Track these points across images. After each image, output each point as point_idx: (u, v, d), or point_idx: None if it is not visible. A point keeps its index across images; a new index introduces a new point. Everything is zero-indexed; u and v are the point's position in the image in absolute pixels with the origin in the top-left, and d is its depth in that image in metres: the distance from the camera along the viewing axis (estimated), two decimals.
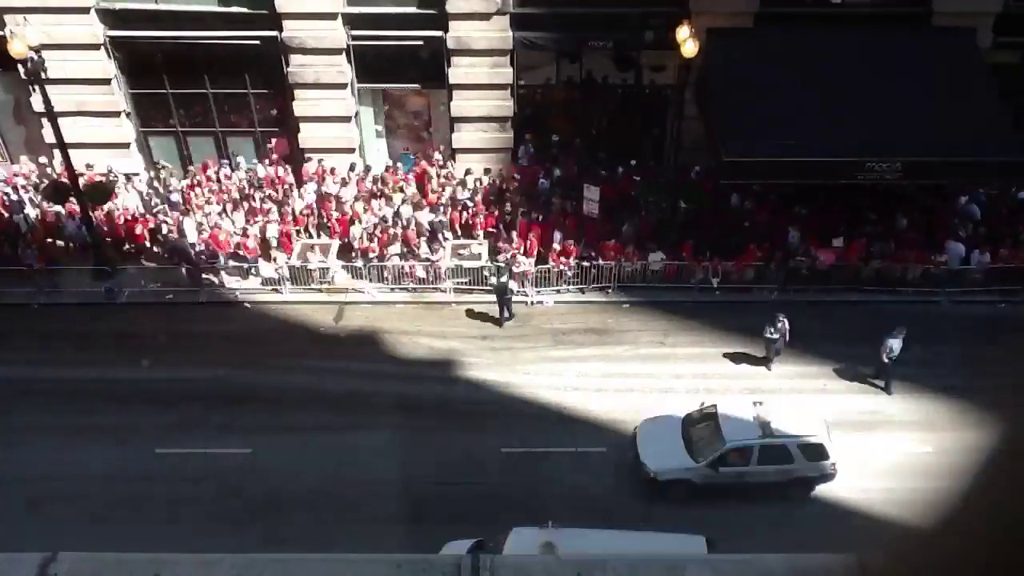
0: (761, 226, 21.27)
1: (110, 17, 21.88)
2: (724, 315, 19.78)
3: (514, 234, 20.86)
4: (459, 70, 22.28)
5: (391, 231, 20.98)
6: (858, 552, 1.68)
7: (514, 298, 20.09)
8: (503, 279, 19.09)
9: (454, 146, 23.53)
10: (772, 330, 17.67)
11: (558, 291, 20.43)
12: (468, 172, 23.07)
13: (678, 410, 16.23)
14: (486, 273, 20.43)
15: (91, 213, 20.92)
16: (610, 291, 20.56)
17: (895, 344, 16.89)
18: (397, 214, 21.62)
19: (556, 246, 20.49)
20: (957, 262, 20.15)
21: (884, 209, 21.71)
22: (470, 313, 20.13)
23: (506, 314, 19.58)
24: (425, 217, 21.52)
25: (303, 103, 22.73)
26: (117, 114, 23.13)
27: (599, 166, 23.11)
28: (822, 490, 15.26)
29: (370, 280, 20.72)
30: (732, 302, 20.21)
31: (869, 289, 20.11)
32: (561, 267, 20.17)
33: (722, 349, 18.81)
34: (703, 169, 21.89)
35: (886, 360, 17.13)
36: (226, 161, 23.61)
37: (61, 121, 19.81)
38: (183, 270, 20.60)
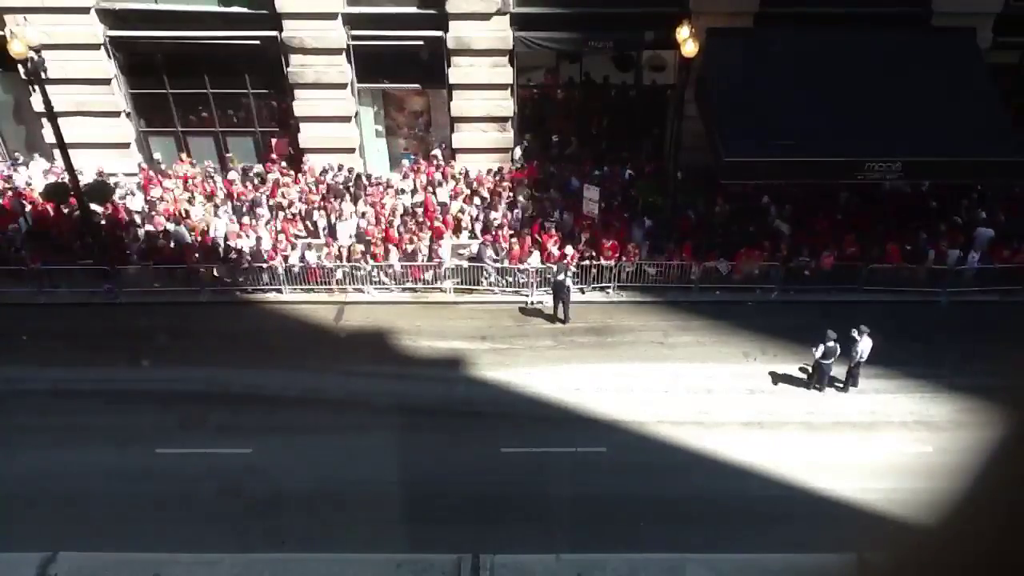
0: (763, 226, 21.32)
1: (110, 17, 21.90)
2: (724, 315, 19.78)
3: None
4: (459, 70, 22.29)
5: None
6: (858, 552, 1.67)
7: (533, 300, 20.14)
8: (560, 276, 19.06)
9: (454, 146, 23.55)
10: (823, 349, 16.97)
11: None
12: (467, 175, 23.09)
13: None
14: (495, 275, 20.43)
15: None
16: (610, 291, 20.58)
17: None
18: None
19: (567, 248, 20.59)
20: (985, 243, 20.43)
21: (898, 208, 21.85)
22: (470, 313, 20.13)
23: (561, 313, 19.49)
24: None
25: (303, 103, 22.74)
26: (117, 114, 23.16)
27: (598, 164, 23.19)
28: (822, 490, 15.26)
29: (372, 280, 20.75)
30: (732, 302, 20.21)
31: (869, 288, 20.11)
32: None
33: (722, 349, 18.80)
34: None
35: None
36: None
37: (61, 121, 19.81)
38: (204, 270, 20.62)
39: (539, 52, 22.42)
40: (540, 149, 23.96)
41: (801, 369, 17.98)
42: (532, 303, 20.31)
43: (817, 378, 17.51)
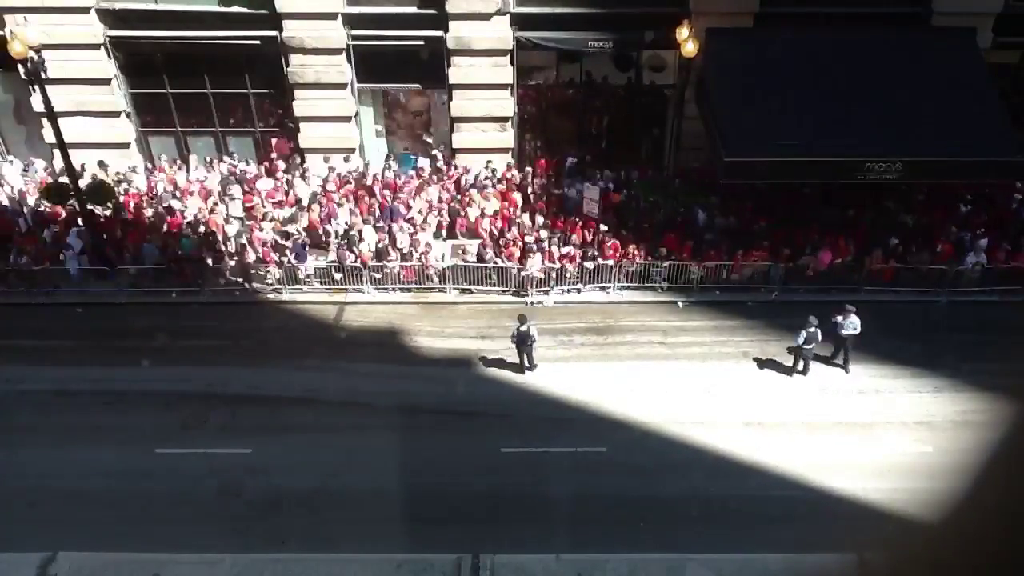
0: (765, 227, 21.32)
1: (110, 17, 21.91)
2: (724, 315, 19.79)
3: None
4: (459, 70, 22.30)
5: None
6: (858, 552, 1.67)
7: (532, 297, 20.12)
8: (524, 327, 17.64)
9: (454, 146, 23.56)
10: (805, 335, 17.33)
11: (565, 291, 20.44)
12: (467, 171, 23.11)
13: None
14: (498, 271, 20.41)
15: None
16: (610, 291, 20.57)
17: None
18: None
19: (568, 248, 20.57)
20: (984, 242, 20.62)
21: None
22: (470, 313, 20.14)
23: (527, 363, 18.02)
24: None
25: (303, 103, 22.75)
26: (117, 114, 23.16)
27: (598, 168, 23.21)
28: (822, 490, 15.26)
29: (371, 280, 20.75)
30: (732, 302, 20.21)
31: (869, 288, 20.12)
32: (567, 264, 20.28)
33: (722, 349, 18.81)
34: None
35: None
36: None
37: (61, 121, 19.81)
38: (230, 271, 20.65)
39: (539, 52, 22.43)
40: (546, 155, 23.91)
41: (789, 350, 18.18)
42: (532, 303, 20.30)
43: (800, 363, 17.87)
